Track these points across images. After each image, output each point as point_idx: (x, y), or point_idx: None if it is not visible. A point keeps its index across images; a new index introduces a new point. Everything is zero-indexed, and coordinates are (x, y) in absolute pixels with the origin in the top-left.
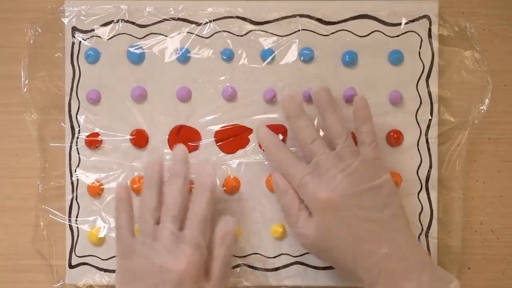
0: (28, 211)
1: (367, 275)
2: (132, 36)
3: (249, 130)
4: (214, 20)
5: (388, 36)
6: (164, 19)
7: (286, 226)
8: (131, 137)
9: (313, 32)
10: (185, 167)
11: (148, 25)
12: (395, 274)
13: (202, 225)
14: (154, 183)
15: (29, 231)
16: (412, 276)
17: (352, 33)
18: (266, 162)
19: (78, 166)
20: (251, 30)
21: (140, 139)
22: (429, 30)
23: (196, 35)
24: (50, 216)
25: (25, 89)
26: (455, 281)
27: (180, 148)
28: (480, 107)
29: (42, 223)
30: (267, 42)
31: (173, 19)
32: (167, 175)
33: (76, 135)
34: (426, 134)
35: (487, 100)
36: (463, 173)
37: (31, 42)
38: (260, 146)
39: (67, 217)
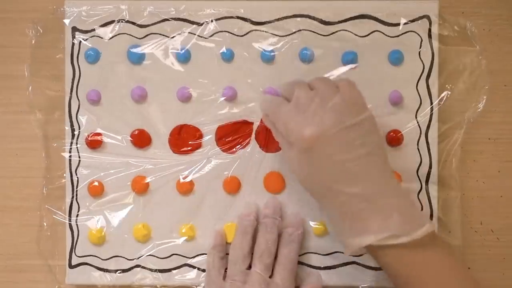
0: (28, 211)
1: (336, 214)
2: (132, 36)
3: (250, 125)
4: (214, 20)
5: (388, 36)
6: (164, 19)
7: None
8: (131, 138)
9: (313, 32)
10: (277, 221)
11: (148, 25)
12: (362, 214)
13: (292, 274)
14: (249, 231)
15: (29, 231)
16: (377, 217)
17: (352, 33)
18: (265, 161)
19: (78, 166)
20: (251, 30)
21: (140, 139)
22: (429, 30)
23: (196, 35)
24: (54, 216)
25: (30, 89)
26: (427, 225)
27: (275, 199)
28: (477, 106)
29: (45, 223)
30: (267, 42)
31: (174, 19)
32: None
33: (76, 135)
34: (426, 134)
35: (483, 99)
36: (463, 172)
37: (33, 42)
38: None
39: (67, 217)
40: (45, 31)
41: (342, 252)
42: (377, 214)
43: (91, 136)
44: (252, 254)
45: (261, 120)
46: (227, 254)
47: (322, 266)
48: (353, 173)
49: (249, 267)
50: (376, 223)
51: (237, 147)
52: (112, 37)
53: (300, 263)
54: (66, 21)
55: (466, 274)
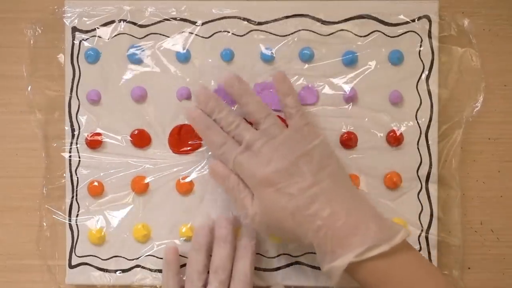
0: (28, 211)
1: (315, 238)
2: (133, 36)
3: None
4: (214, 20)
5: (388, 36)
6: (164, 19)
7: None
8: (130, 138)
9: (313, 32)
10: (232, 234)
11: (148, 25)
12: (341, 231)
13: (247, 286)
14: (203, 247)
15: (29, 231)
16: (357, 231)
17: (352, 33)
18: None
19: (78, 166)
20: (251, 30)
21: (140, 139)
22: (429, 30)
23: (196, 35)
24: (54, 216)
25: (29, 89)
26: (403, 231)
27: (228, 215)
28: (475, 105)
29: (45, 223)
30: (267, 42)
31: (174, 19)
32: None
33: (76, 135)
34: (426, 134)
35: (481, 98)
36: (463, 172)
37: (32, 42)
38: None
39: (67, 217)
40: (45, 31)
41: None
42: (355, 229)
43: (91, 136)
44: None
45: None
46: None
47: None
48: (319, 197)
49: (206, 283)
50: (355, 238)
51: None
52: (112, 37)
53: (300, 263)
54: (66, 21)
55: (438, 274)
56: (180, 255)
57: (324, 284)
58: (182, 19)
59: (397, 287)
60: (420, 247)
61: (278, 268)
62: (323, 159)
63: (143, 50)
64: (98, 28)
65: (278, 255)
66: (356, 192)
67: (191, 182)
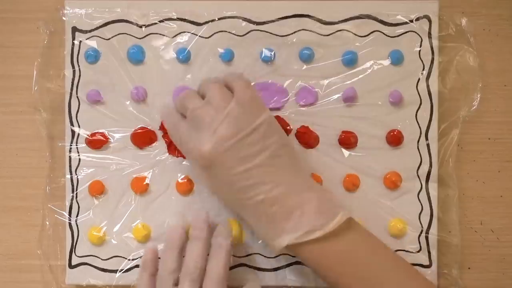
0: (29, 211)
1: (253, 220)
2: (132, 36)
3: None
4: (214, 20)
5: (388, 36)
6: (164, 19)
7: None
8: (131, 138)
9: (313, 32)
10: (206, 232)
11: (148, 25)
12: (276, 217)
13: (220, 286)
14: (175, 246)
15: (29, 231)
16: (290, 217)
17: (352, 33)
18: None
19: (78, 165)
20: (251, 30)
21: (140, 139)
22: (429, 30)
23: (196, 35)
24: (56, 216)
25: (36, 88)
26: (340, 215)
27: (202, 213)
28: (472, 104)
29: (48, 223)
30: (267, 42)
31: (173, 19)
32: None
33: (76, 135)
34: (426, 133)
35: (478, 97)
36: (463, 172)
37: (46, 42)
38: None
39: (67, 217)
40: (46, 31)
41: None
42: (289, 214)
43: (91, 136)
44: None
45: None
46: None
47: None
48: (257, 180)
49: (177, 283)
50: (290, 223)
51: None
52: (112, 37)
53: (299, 263)
54: (66, 21)
55: (387, 254)
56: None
57: (323, 284)
58: (182, 19)
59: (340, 272)
60: (420, 247)
61: (278, 268)
62: (265, 137)
63: (143, 50)
64: (98, 28)
65: (278, 255)
66: (298, 173)
67: (191, 182)
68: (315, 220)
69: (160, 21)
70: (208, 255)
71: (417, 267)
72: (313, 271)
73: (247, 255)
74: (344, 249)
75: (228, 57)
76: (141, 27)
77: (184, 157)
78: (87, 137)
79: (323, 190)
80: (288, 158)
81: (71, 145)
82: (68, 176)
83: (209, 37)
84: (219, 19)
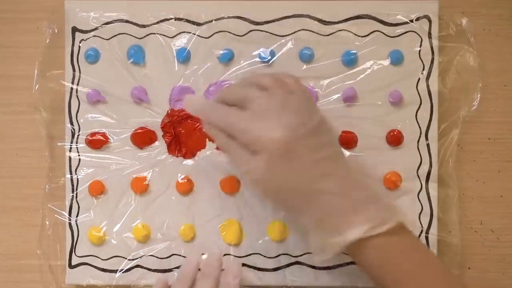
0: (28, 211)
1: (316, 214)
2: (132, 36)
3: None
4: (213, 20)
5: (388, 36)
6: (164, 19)
7: (287, 223)
8: (130, 138)
9: (313, 32)
10: (218, 270)
11: (148, 25)
12: (343, 210)
13: None
14: (187, 280)
15: (29, 231)
16: (358, 210)
17: (352, 33)
18: None
19: (78, 165)
20: (251, 30)
21: (140, 139)
22: (429, 30)
23: (196, 35)
24: (56, 216)
25: (36, 88)
26: (399, 211)
27: (216, 252)
28: (472, 104)
29: (47, 223)
30: (267, 42)
31: (173, 19)
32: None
33: (76, 135)
34: (426, 134)
35: (478, 97)
36: (463, 172)
37: (32, 42)
38: None
39: (67, 216)
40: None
41: (342, 252)
42: (358, 207)
43: (91, 136)
44: None
45: None
46: None
47: (322, 266)
48: (327, 170)
49: None
50: (357, 216)
51: None
52: (112, 37)
53: (300, 263)
54: (66, 21)
55: (433, 255)
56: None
57: (324, 284)
58: (182, 20)
59: (395, 269)
60: None
61: (278, 268)
62: (329, 131)
63: (143, 50)
64: (98, 28)
65: (278, 255)
66: (352, 171)
67: (191, 182)
68: (381, 215)
69: (160, 21)
70: None
71: None
72: (366, 271)
73: (247, 255)
74: (401, 247)
75: (227, 57)
76: (141, 27)
77: (184, 157)
78: (87, 137)
79: (373, 187)
80: (343, 155)
81: (71, 145)
82: (68, 176)
83: (209, 37)
84: (219, 19)
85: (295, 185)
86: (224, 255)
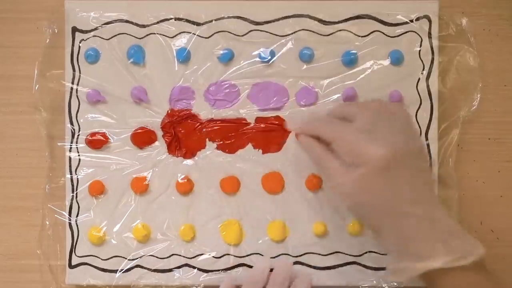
0: (28, 211)
1: (399, 237)
2: (132, 36)
3: (248, 125)
4: (213, 20)
5: (388, 36)
6: (164, 19)
7: (287, 223)
8: (130, 138)
9: (313, 32)
10: (288, 279)
11: (148, 25)
12: (426, 237)
13: None
14: (258, 284)
15: (29, 231)
16: (444, 240)
17: (352, 33)
18: (264, 161)
19: (78, 165)
20: (251, 30)
21: (140, 139)
22: (429, 30)
23: (196, 35)
24: (56, 216)
25: (37, 88)
26: (481, 246)
27: (286, 260)
28: (472, 104)
29: (48, 222)
30: (267, 42)
31: (173, 19)
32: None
33: (76, 135)
34: (426, 134)
35: (478, 97)
36: (463, 172)
37: (32, 42)
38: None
39: (67, 216)
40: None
41: (342, 252)
42: (439, 237)
43: (91, 136)
44: None
45: (256, 120)
46: None
47: (322, 266)
48: (421, 196)
49: None
50: (442, 246)
51: (238, 149)
52: (112, 37)
53: (299, 263)
54: (66, 21)
55: None
56: None
57: (324, 284)
58: (182, 20)
59: None
60: None
61: None
62: (425, 159)
63: (143, 50)
64: (98, 28)
65: (278, 255)
66: (440, 201)
67: (191, 182)
68: (464, 247)
69: (160, 21)
70: None
71: None
72: None
73: (247, 255)
74: (481, 282)
75: (227, 57)
76: (141, 27)
77: (184, 157)
78: (87, 137)
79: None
80: (434, 185)
81: (71, 145)
82: (68, 176)
83: (209, 37)
84: (219, 19)
85: (386, 204)
86: (224, 255)
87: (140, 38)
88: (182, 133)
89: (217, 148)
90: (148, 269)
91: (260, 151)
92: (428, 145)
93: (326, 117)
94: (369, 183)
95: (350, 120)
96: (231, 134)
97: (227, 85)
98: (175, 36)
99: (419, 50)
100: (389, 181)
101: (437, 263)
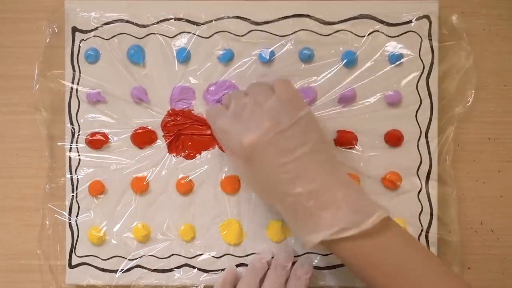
0: (28, 211)
1: (288, 214)
2: (132, 36)
3: None
4: (213, 20)
5: (388, 36)
6: (164, 19)
7: (283, 223)
8: (131, 138)
9: (313, 32)
10: (288, 264)
11: (148, 25)
12: (312, 212)
13: None
14: (259, 273)
15: (29, 231)
16: (326, 213)
17: (352, 33)
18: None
19: (78, 165)
20: (251, 30)
21: (140, 139)
22: (429, 30)
23: (196, 35)
24: (56, 216)
25: (37, 87)
26: (378, 213)
27: (290, 247)
28: (466, 101)
29: (48, 222)
30: (267, 42)
31: (173, 19)
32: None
33: (76, 135)
34: (426, 134)
35: (472, 93)
36: (463, 172)
37: (48, 41)
38: None
39: (67, 216)
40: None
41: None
42: (325, 210)
43: (91, 136)
44: None
45: None
46: None
47: (322, 266)
48: (295, 173)
49: None
50: (326, 219)
51: None
52: (112, 37)
53: None
54: (66, 21)
55: (424, 256)
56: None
57: (324, 284)
58: (182, 20)
59: (376, 271)
60: None
61: None
62: (305, 133)
63: (143, 50)
64: (98, 28)
65: None
66: (334, 169)
67: (191, 182)
68: (351, 217)
69: (160, 21)
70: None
71: None
72: (348, 269)
73: (247, 255)
74: (379, 249)
75: (227, 57)
76: (141, 27)
77: (186, 158)
78: (87, 137)
79: (360, 188)
80: (326, 154)
81: (71, 145)
82: (68, 176)
83: (209, 37)
84: (219, 19)
85: (264, 187)
86: (224, 255)
87: (140, 38)
88: (183, 133)
89: (217, 148)
90: (148, 269)
91: None
92: (428, 145)
93: (213, 106)
94: (242, 168)
95: (228, 107)
96: None
97: (227, 85)
98: (175, 36)
99: (419, 50)
100: (257, 166)
101: (318, 237)
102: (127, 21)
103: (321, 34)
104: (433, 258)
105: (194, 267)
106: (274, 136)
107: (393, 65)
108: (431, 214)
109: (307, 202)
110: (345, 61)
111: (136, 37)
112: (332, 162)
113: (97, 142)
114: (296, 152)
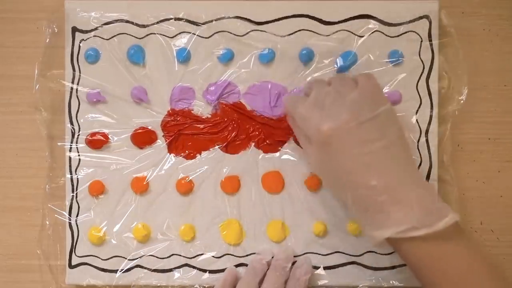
0: (28, 211)
1: (357, 207)
2: (132, 36)
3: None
4: (213, 21)
5: (388, 36)
6: (164, 19)
7: (287, 223)
8: (131, 138)
9: (313, 32)
10: (288, 264)
11: (148, 25)
12: (383, 207)
13: None
14: (258, 274)
15: (29, 231)
16: (397, 209)
17: (352, 33)
18: (264, 161)
19: (78, 165)
20: (251, 30)
21: (140, 139)
22: (429, 30)
23: (196, 35)
24: (56, 216)
25: (37, 87)
26: (449, 216)
27: (289, 248)
28: (459, 98)
29: (48, 222)
30: (266, 42)
31: (173, 19)
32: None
33: (76, 135)
34: (426, 134)
35: (465, 91)
36: (463, 173)
37: (48, 41)
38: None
39: (67, 216)
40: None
41: (342, 252)
42: (397, 206)
43: (91, 136)
44: None
45: (256, 120)
46: None
47: (322, 266)
48: (371, 166)
49: None
50: (396, 215)
51: (240, 150)
52: (112, 37)
53: None
54: (66, 21)
55: (489, 267)
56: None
57: (324, 283)
58: (182, 20)
59: (440, 275)
60: None
61: None
62: (384, 127)
63: (143, 50)
64: (98, 28)
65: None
66: (411, 167)
67: (191, 182)
68: (422, 217)
69: (160, 21)
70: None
71: None
72: (409, 269)
73: (247, 255)
74: (447, 254)
75: (227, 57)
76: (141, 27)
77: (186, 158)
78: (87, 137)
79: (433, 189)
80: (403, 150)
81: (71, 145)
82: (68, 176)
83: (209, 37)
84: (219, 19)
85: (337, 174)
86: (224, 255)
87: (140, 38)
88: (182, 133)
89: (221, 150)
90: (148, 269)
91: (261, 151)
92: (428, 145)
93: (293, 94)
94: (318, 157)
95: (308, 95)
96: (231, 134)
97: (226, 85)
98: (175, 36)
99: (419, 50)
100: (333, 154)
101: (386, 233)
102: (127, 21)
103: (321, 34)
104: (496, 271)
105: (194, 267)
106: (353, 127)
107: (393, 65)
108: None
109: (379, 196)
110: (345, 61)
111: (136, 37)
112: (408, 160)
113: (97, 142)
114: (373, 144)
